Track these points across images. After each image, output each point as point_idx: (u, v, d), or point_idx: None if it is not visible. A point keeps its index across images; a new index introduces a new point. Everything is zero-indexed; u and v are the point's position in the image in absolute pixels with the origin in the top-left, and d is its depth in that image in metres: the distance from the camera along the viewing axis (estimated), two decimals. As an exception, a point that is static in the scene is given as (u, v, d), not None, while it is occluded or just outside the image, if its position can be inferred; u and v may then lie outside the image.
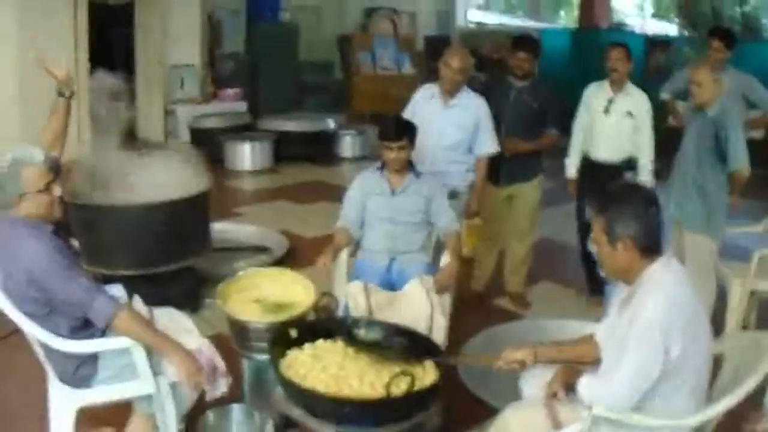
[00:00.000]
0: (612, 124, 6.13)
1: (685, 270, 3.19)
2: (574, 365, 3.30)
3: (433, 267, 5.00)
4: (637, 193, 3.17)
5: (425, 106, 5.75)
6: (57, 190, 3.51)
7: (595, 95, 6.28)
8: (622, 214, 3.03)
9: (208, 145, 10.68)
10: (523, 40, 6.24)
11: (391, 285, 4.83)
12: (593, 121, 6.25)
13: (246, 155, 11.66)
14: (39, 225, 3.46)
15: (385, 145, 4.85)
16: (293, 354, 3.70)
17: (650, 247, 3.05)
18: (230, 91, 12.68)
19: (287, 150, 12.08)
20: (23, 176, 3.40)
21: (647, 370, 2.91)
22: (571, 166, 6.41)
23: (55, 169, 3.56)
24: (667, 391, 2.98)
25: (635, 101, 6.12)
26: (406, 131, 4.86)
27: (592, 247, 3.17)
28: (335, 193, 9.72)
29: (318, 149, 12.44)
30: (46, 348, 3.56)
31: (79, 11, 10.17)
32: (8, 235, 3.44)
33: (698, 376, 3.05)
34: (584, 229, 6.53)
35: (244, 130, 12.09)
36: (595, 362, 3.35)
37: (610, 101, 6.14)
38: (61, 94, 4.17)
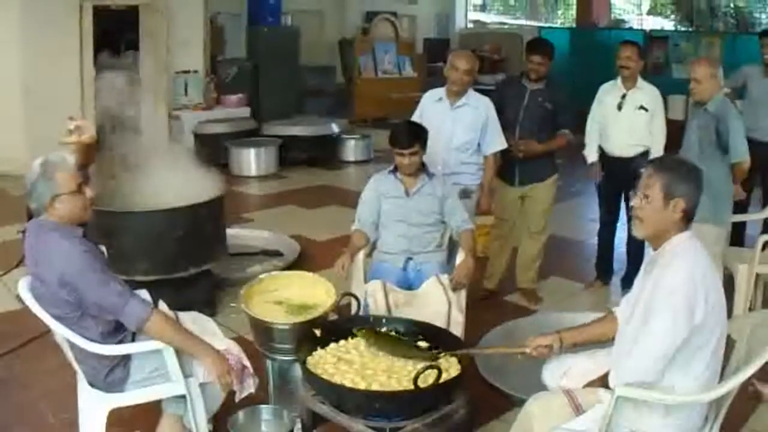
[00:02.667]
0: (625, 119, 6.29)
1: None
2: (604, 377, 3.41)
3: (448, 266, 5.11)
4: (694, 166, 3.33)
5: (433, 110, 5.84)
6: (89, 192, 3.60)
7: (608, 93, 6.46)
8: (684, 178, 3.19)
9: (213, 150, 10.79)
10: (538, 44, 6.32)
11: (408, 284, 4.93)
12: (607, 118, 6.41)
13: (251, 160, 11.75)
14: (70, 228, 3.54)
15: (397, 151, 4.94)
16: (319, 353, 3.81)
17: (691, 216, 3.21)
18: (233, 97, 12.75)
19: (291, 155, 12.18)
20: (56, 178, 3.48)
21: (673, 338, 3.03)
22: (590, 154, 6.58)
23: (85, 173, 3.65)
24: (687, 353, 3.10)
25: (648, 95, 6.33)
26: (418, 136, 4.93)
27: (637, 204, 3.27)
28: (341, 197, 9.87)
29: (322, 153, 12.54)
30: (78, 352, 3.63)
31: (84, 17, 10.24)
32: (39, 239, 3.52)
33: (717, 341, 3.17)
34: (608, 217, 6.78)
35: (248, 136, 12.18)
36: None
37: (623, 97, 6.31)
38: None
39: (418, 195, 5.03)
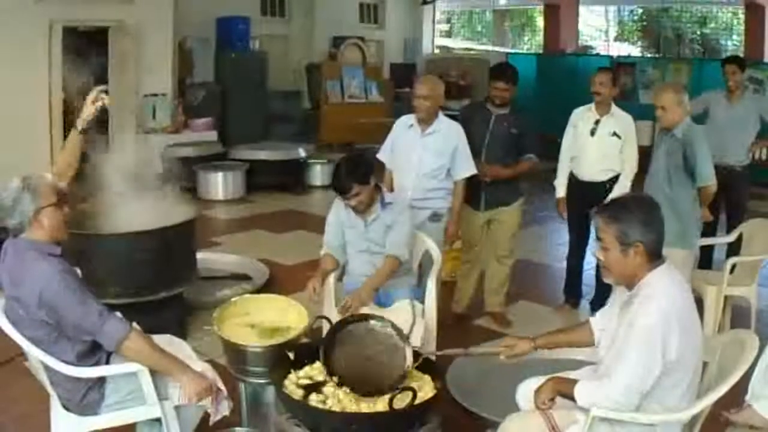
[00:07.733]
0: (598, 145, 6.36)
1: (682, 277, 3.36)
2: (562, 376, 3.45)
3: (419, 290, 5.13)
4: (645, 202, 3.36)
5: (404, 136, 5.88)
6: (66, 209, 3.61)
7: (581, 118, 6.52)
8: (635, 221, 3.19)
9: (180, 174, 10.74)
10: (502, 70, 6.33)
11: (380, 305, 4.90)
12: (580, 143, 6.47)
13: (219, 184, 11.77)
14: (48, 248, 3.54)
15: (341, 197, 4.89)
16: (292, 376, 3.83)
17: (656, 253, 3.23)
18: (201, 121, 12.74)
19: (258, 179, 12.19)
20: (40, 190, 3.49)
21: (647, 373, 3.08)
22: (560, 187, 6.65)
23: (63, 191, 3.66)
24: (664, 388, 3.15)
25: (620, 122, 6.40)
26: (357, 178, 4.77)
27: (599, 256, 3.32)
28: (308, 222, 9.90)
29: (289, 178, 12.56)
30: (53, 375, 3.60)
31: (53, 37, 10.16)
32: (16, 259, 3.51)
33: (692, 375, 3.23)
34: (577, 241, 6.82)
35: (215, 160, 12.17)
36: (591, 346, 3.65)
37: (597, 123, 6.38)
38: (75, 127, 4.23)
39: (374, 225, 4.99)
